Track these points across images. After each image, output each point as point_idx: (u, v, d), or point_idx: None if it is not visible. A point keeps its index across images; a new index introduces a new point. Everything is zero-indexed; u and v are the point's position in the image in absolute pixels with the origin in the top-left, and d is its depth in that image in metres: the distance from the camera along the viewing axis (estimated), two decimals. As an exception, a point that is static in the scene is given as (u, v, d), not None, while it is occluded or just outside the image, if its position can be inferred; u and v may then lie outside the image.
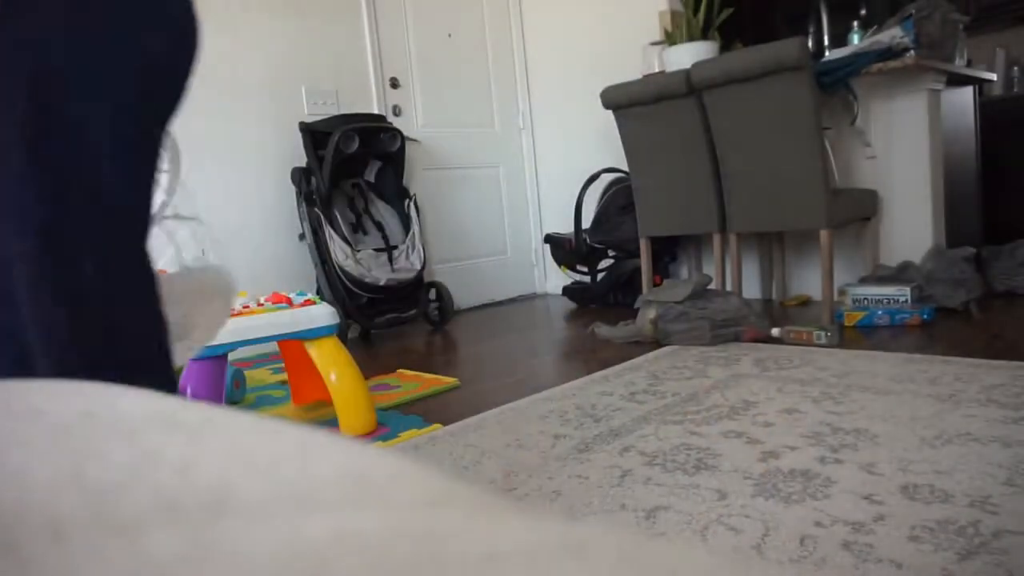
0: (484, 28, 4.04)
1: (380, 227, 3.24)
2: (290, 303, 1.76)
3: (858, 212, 2.75)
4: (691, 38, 3.05)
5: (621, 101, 2.94)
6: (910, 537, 0.99)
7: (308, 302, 1.77)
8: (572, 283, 3.75)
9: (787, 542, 1.02)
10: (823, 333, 2.26)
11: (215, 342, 1.60)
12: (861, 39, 2.82)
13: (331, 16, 3.38)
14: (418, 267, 3.15)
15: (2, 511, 0.15)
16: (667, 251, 3.48)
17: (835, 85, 2.68)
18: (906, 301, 2.52)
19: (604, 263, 3.57)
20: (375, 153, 3.19)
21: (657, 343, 2.49)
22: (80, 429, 0.19)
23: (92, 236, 0.58)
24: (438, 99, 3.82)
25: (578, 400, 1.87)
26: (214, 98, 3.00)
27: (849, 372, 1.90)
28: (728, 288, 2.91)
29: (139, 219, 0.64)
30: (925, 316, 2.42)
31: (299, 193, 3.09)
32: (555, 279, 4.20)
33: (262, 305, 1.74)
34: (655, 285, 3.14)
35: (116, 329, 0.60)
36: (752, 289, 3.30)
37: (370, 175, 3.33)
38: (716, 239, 2.88)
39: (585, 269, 3.64)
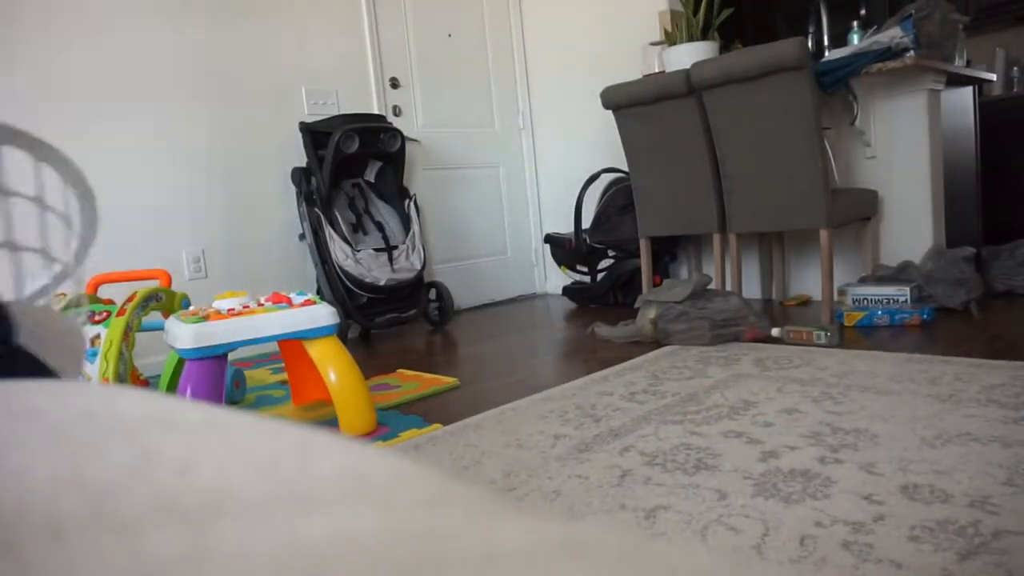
0: (484, 28, 4.04)
1: (380, 227, 3.24)
2: (290, 303, 1.76)
3: (858, 212, 2.75)
4: (691, 38, 3.05)
5: (621, 101, 2.94)
6: (910, 537, 0.99)
7: (308, 302, 1.77)
8: (572, 283, 3.75)
9: (787, 542, 1.02)
10: (823, 333, 2.26)
11: (221, 341, 1.60)
12: (861, 39, 2.82)
13: (331, 16, 3.38)
14: (418, 267, 3.15)
15: (2, 511, 0.15)
16: (667, 251, 3.48)
17: (835, 85, 2.68)
18: (906, 301, 2.52)
19: (604, 263, 3.57)
20: (375, 153, 3.19)
21: (657, 343, 2.49)
22: (80, 429, 0.19)
23: None
24: (438, 99, 3.82)
25: (578, 400, 1.87)
26: (214, 98, 3.00)
27: (849, 372, 1.90)
28: (728, 288, 2.91)
29: None
30: (925, 316, 2.42)
31: (299, 193, 3.09)
32: (555, 279, 4.20)
33: (262, 305, 1.74)
34: (655, 285, 3.14)
35: None
36: (752, 289, 3.30)
37: (370, 175, 3.33)
38: (716, 239, 2.88)
39: (585, 269, 3.64)
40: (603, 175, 3.54)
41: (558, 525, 0.17)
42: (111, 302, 2.03)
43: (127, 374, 1.85)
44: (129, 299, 1.94)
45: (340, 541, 0.15)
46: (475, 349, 2.81)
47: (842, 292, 2.71)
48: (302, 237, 3.15)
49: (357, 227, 3.19)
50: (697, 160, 2.82)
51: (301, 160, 3.13)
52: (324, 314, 1.75)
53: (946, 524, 1.02)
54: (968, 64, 3.14)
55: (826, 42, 3.44)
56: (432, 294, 3.37)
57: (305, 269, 3.21)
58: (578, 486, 1.30)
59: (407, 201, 3.28)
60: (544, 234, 4.06)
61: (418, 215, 3.28)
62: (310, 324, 1.72)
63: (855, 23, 3.15)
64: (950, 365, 1.87)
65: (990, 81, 3.18)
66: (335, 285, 2.99)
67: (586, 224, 3.54)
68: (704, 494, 1.21)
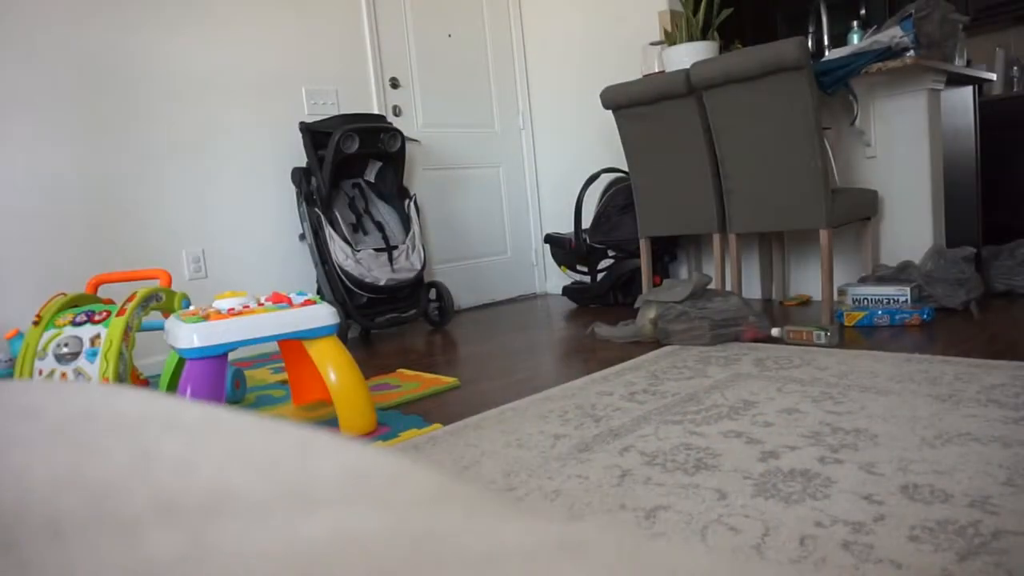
0: (484, 28, 4.04)
1: (380, 227, 3.24)
2: (290, 303, 1.76)
3: (858, 212, 2.75)
4: (691, 38, 3.05)
5: (621, 101, 2.94)
6: (910, 537, 0.99)
7: (308, 302, 1.77)
8: (572, 283, 3.75)
9: (787, 542, 1.02)
10: (823, 333, 2.26)
11: (221, 340, 1.60)
12: (861, 39, 2.82)
13: (331, 16, 3.38)
14: (418, 267, 3.15)
15: (2, 511, 0.15)
16: (667, 251, 3.48)
17: (835, 85, 2.68)
18: (906, 301, 2.52)
19: (604, 263, 3.57)
20: (375, 153, 3.19)
21: (657, 343, 2.49)
22: (80, 429, 0.19)
23: None
24: (438, 99, 3.82)
25: (578, 400, 1.87)
26: (214, 98, 3.00)
27: (849, 372, 1.90)
28: (728, 288, 2.91)
29: None
30: (925, 316, 2.42)
31: (299, 193, 3.09)
32: (555, 279, 4.20)
33: (262, 305, 1.74)
34: (655, 285, 3.14)
35: None
36: (752, 289, 3.30)
37: (370, 175, 3.33)
38: (716, 239, 2.88)
39: (585, 269, 3.64)
40: (603, 175, 3.54)
41: (558, 525, 0.17)
42: (111, 302, 2.03)
43: (127, 374, 1.85)
44: (129, 299, 1.94)
45: (340, 541, 0.15)
46: (475, 349, 2.81)
47: (842, 292, 2.71)
48: (302, 237, 3.15)
49: (357, 227, 3.19)
50: (697, 160, 2.82)
51: (301, 160, 3.13)
52: (324, 314, 1.75)
53: (946, 524, 1.02)
54: (968, 64, 3.14)
55: (826, 42, 3.44)
56: (432, 294, 3.37)
57: (305, 269, 3.21)
58: (578, 486, 1.30)
59: (407, 201, 3.28)
60: (544, 234, 4.06)
61: (418, 215, 3.28)
62: (310, 324, 1.72)
63: (855, 23, 3.15)
64: (950, 365, 1.87)
65: (990, 81, 3.18)
66: (335, 285, 2.99)
67: (586, 224, 3.54)
68: (704, 494, 1.21)
